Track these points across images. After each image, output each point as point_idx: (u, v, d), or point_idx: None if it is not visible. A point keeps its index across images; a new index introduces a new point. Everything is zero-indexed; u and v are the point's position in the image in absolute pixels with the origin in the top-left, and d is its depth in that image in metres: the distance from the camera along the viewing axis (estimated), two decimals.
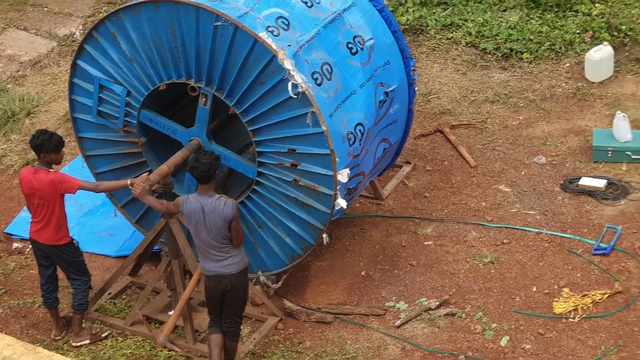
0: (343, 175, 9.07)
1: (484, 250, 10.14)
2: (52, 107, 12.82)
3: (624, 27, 13.04)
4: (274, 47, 8.75)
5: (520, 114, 12.12)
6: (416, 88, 10.27)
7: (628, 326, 9.07)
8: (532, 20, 13.36)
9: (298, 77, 8.75)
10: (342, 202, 9.14)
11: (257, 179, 9.27)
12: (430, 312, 9.46)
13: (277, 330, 9.43)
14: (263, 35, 8.79)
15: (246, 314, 9.01)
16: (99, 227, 10.97)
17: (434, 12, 13.69)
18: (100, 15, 14.21)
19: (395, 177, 11.16)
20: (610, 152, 11.17)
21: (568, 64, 12.86)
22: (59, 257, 9.10)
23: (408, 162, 11.37)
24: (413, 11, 13.72)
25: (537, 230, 10.30)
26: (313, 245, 9.41)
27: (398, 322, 9.38)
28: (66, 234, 9.04)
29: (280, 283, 9.75)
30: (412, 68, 10.01)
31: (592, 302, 9.36)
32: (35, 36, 14.27)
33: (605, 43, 12.62)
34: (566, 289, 9.54)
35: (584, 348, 8.93)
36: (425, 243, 10.32)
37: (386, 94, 9.67)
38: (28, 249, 10.57)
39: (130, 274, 10.06)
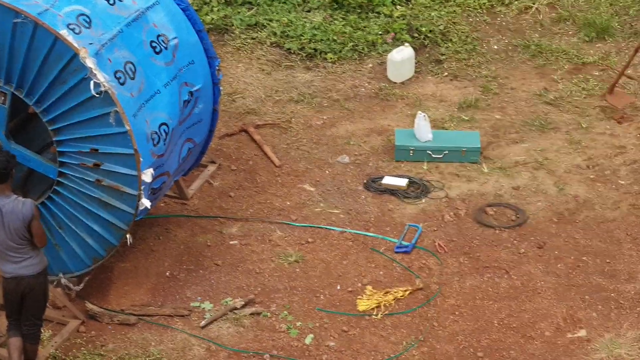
0: (147, 175, 8.98)
1: (289, 249, 10.21)
2: None
3: (424, 29, 13.35)
4: (75, 45, 8.57)
5: (324, 113, 12.25)
6: (221, 88, 10.25)
7: (428, 321, 9.30)
8: (335, 21, 13.52)
9: (100, 76, 8.60)
10: (146, 202, 9.05)
11: (58, 179, 9.06)
12: (235, 311, 9.46)
13: (79, 333, 9.24)
14: (64, 32, 8.60)
15: (47, 317, 8.80)
16: None
17: (239, 12, 13.69)
18: None
19: (200, 176, 11.11)
20: (411, 152, 11.41)
21: (371, 65, 13.08)
22: None
23: (213, 162, 11.33)
24: (218, 10, 13.68)
25: (341, 229, 10.44)
26: (116, 246, 9.28)
27: (203, 323, 9.34)
28: None
29: (82, 285, 9.55)
30: (217, 68, 9.98)
31: (394, 299, 9.56)
32: None
33: (407, 44, 12.90)
34: (369, 287, 9.70)
35: (386, 344, 9.11)
36: (231, 242, 10.31)
37: (191, 93, 9.61)
38: None
39: None
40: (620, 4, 13.99)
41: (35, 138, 9.94)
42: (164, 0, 9.59)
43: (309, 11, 13.79)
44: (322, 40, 13.23)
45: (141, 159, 8.84)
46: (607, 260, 10.00)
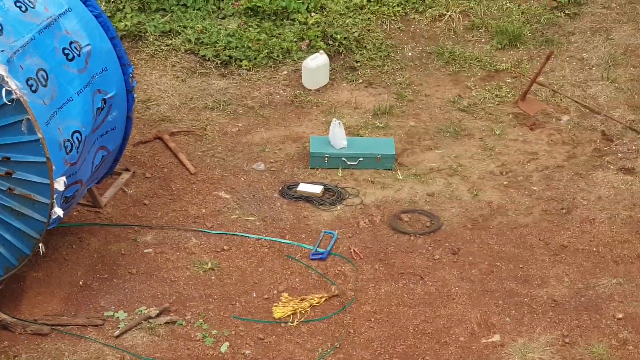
0: (60, 184, 8.88)
1: (204, 257, 10.16)
2: None
3: (338, 36, 13.40)
4: None
5: (239, 120, 12.23)
6: (135, 95, 10.17)
7: (344, 328, 9.32)
8: (250, 28, 13.51)
9: (12, 84, 8.48)
10: (58, 211, 8.95)
11: None
12: (150, 320, 9.39)
13: None
14: None
15: None
16: None
17: (153, 19, 13.60)
18: None
19: (114, 184, 11.00)
20: (326, 159, 11.44)
21: (286, 72, 13.09)
22: None
23: (127, 170, 11.23)
24: (131, 17, 13.57)
25: (256, 236, 10.42)
26: (29, 255, 9.15)
27: (117, 332, 9.26)
28: None
29: None
30: (131, 75, 9.91)
31: (310, 306, 9.57)
32: None
33: (321, 51, 12.93)
34: (285, 294, 9.70)
35: (302, 351, 9.11)
36: (145, 251, 10.23)
37: (104, 101, 9.52)
38: None
39: None
40: (532, 13, 14.20)
41: None
42: (76, 7, 9.49)
43: (223, 18, 13.76)
44: (237, 47, 13.20)
45: (53, 167, 8.74)
46: (520, 266, 10.13)
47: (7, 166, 8.77)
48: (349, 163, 11.45)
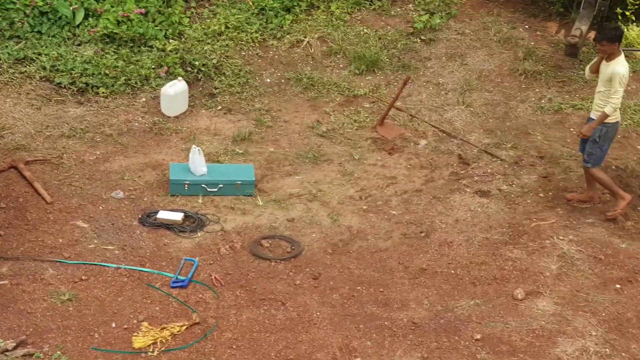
0: None
1: (61, 287, 9.95)
2: None
3: (197, 63, 13.36)
4: None
5: (97, 148, 12.05)
6: None
7: (205, 356, 9.23)
8: (107, 55, 13.35)
9: None
10: None
11: None
12: (6, 353, 9.13)
13: None
14: None
15: None
16: None
17: (7, 46, 13.33)
18: None
19: None
20: (186, 186, 11.36)
21: (144, 99, 12.97)
22: None
23: None
24: None
25: (115, 265, 10.26)
26: None
27: None
28: None
29: None
30: None
31: (170, 335, 9.44)
32: None
33: (180, 78, 12.87)
34: (145, 323, 9.56)
35: None
36: (0, 282, 9.96)
37: None
38: None
39: None
40: (389, 38, 14.40)
41: None
42: None
43: (79, 45, 13.56)
44: (93, 74, 13.03)
45: None
46: (381, 289, 10.21)
47: None
48: (209, 190, 11.39)
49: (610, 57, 10.83)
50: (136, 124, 12.56)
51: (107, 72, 13.09)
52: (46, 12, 13.77)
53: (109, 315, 9.67)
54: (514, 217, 11.31)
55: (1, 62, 13.10)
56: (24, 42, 13.48)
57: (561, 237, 10.99)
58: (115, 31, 13.56)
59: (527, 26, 14.93)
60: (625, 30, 14.42)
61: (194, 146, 11.53)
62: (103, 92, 12.88)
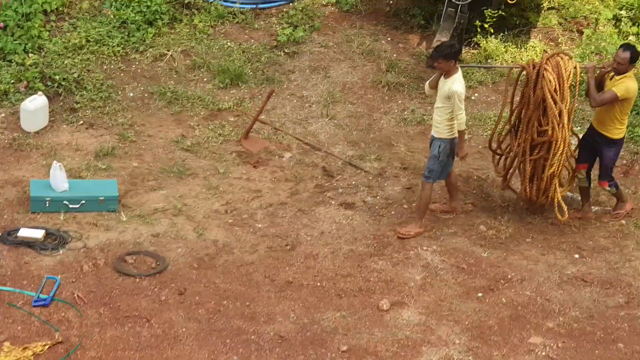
0: None
1: None
2: None
3: (57, 77, 13.13)
4: None
5: None
6: None
7: None
8: None
9: None
10: None
11: None
12: None
13: None
14: None
15: None
16: None
17: None
18: None
19: None
20: (48, 202, 11.16)
21: (4, 114, 12.70)
22: None
23: None
24: None
25: None
26: None
27: None
28: None
29: None
30: None
31: (33, 354, 9.27)
32: None
33: (40, 93, 12.63)
34: (7, 343, 9.37)
35: None
36: None
37: None
38: None
39: None
40: (252, 52, 14.41)
41: None
42: None
43: None
44: None
45: None
46: (247, 303, 10.19)
47: None
48: (71, 206, 11.20)
49: (447, 74, 10.97)
50: None
51: None
52: None
53: None
54: (379, 228, 11.43)
55: None
56: None
57: (425, 248, 11.15)
58: None
59: (389, 38, 15.12)
60: (484, 42, 14.73)
61: (55, 162, 11.33)
62: None
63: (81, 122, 12.79)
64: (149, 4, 14.51)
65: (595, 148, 11.54)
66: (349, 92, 13.90)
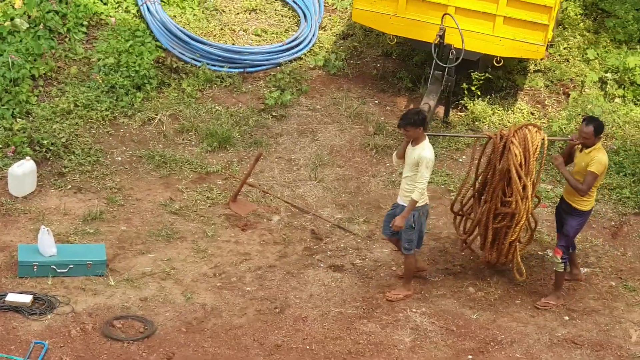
0: None
1: None
2: None
3: (46, 142, 13.14)
4: None
5: None
6: None
7: None
8: None
9: None
10: None
11: None
12: None
13: None
14: None
15: None
16: None
17: None
18: None
19: None
20: (35, 267, 11.11)
21: None
22: None
23: None
24: None
25: None
26: None
27: None
28: None
29: None
30: None
31: None
32: None
33: (28, 158, 12.63)
34: None
35: None
36: None
37: None
38: None
39: None
40: (240, 115, 14.47)
41: None
42: None
43: None
44: None
45: None
46: None
47: None
48: (59, 271, 11.16)
49: (415, 141, 10.92)
50: None
51: None
52: None
53: None
54: (368, 290, 11.40)
55: None
56: None
57: (414, 310, 11.12)
58: None
59: (376, 101, 15.21)
60: (472, 105, 14.82)
61: (42, 226, 11.31)
62: None
63: (69, 186, 12.78)
64: (137, 68, 14.60)
65: (562, 216, 11.40)
66: (337, 155, 13.94)
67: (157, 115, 14.22)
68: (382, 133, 14.38)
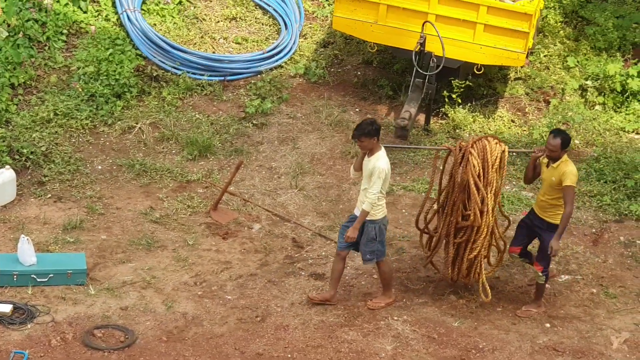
0: None
1: None
2: None
3: (25, 151, 13.09)
4: None
5: None
6: None
7: None
8: None
9: None
10: None
11: None
12: None
13: None
14: None
15: None
16: None
17: None
18: None
19: None
20: (15, 276, 11.05)
21: None
22: None
23: None
24: None
25: None
26: None
27: None
28: None
29: None
30: None
31: None
32: None
33: (8, 167, 12.57)
34: None
35: None
36: None
37: None
38: None
39: None
40: (221, 123, 14.45)
41: None
42: None
43: None
44: None
45: None
46: None
47: None
48: (39, 280, 11.10)
49: (370, 152, 10.77)
50: None
51: None
52: None
53: None
54: (349, 298, 11.38)
55: None
56: None
57: (395, 318, 11.10)
58: None
59: (357, 109, 15.21)
60: (452, 112, 14.84)
61: (22, 236, 11.25)
62: None
63: (49, 195, 12.73)
64: (117, 77, 14.55)
65: (534, 232, 11.25)
66: (318, 163, 13.93)
67: (137, 123, 14.18)
68: None
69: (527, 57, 15.01)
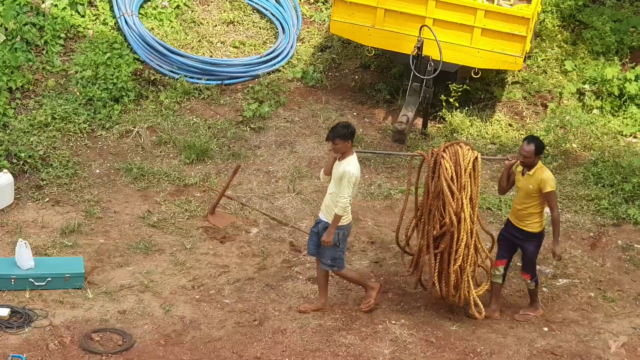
0: None
1: None
2: None
3: (23, 155, 13.09)
4: None
5: None
6: None
7: None
8: None
9: None
10: None
11: None
12: None
13: None
14: None
15: None
16: None
17: None
18: None
19: None
20: (13, 280, 11.05)
21: None
22: None
23: None
24: None
25: None
26: None
27: None
28: None
29: None
30: None
31: None
32: None
33: (5, 171, 12.57)
34: None
35: None
36: None
37: None
38: None
39: None
40: (218, 127, 14.45)
41: None
42: None
43: None
44: None
45: None
46: None
47: None
48: (36, 284, 11.10)
49: (342, 156, 10.65)
50: None
51: None
52: None
53: None
54: (347, 302, 11.38)
55: None
56: None
57: (393, 322, 11.10)
58: None
59: (355, 113, 15.22)
60: (450, 116, 14.85)
61: (20, 240, 11.25)
62: None
63: (47, 199, 12.73)
64: (115, 81, 14.56)
65: (514, 243, 11.16)
66: (315, 167, 13.93)
67: (135, 127, 14.18)
68: (360, 145, 14.38)
69: (524, 61, 15.03)
